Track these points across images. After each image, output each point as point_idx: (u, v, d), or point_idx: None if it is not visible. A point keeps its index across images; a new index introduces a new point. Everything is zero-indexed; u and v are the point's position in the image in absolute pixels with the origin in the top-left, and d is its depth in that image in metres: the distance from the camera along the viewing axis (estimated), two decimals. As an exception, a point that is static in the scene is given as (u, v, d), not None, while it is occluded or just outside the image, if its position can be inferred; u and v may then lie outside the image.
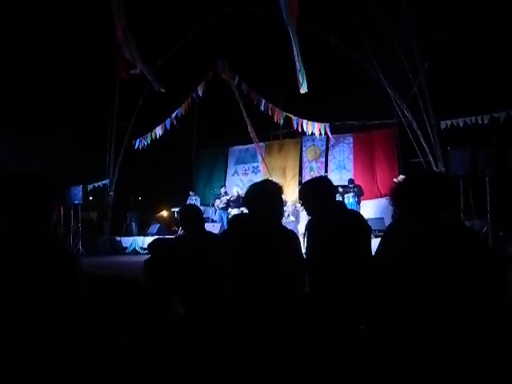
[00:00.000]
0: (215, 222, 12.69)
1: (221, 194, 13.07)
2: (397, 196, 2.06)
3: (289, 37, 9.10)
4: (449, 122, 10.47)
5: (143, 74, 10.76)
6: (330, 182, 2.95)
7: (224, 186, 14.03)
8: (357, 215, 2.94)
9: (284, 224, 2.73)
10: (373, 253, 2.39)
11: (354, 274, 2.39)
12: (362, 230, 2.65)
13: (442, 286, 1.69)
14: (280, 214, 2.64)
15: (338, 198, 11.29)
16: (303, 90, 9.69)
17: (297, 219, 11.16)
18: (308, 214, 2.86)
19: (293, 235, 2.59)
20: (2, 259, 1.50)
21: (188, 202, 12.77)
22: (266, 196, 2.54)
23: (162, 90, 11.41)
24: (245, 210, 2.70)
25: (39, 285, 1.48)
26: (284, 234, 2.56)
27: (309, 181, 3.03)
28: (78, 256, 1.63)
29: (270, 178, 12.41)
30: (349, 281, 2.40)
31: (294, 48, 9.17)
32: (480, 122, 10.23)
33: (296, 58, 9.28)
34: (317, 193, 2.77)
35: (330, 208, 2.72)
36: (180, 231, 11.74)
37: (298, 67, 9.40)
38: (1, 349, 1.44)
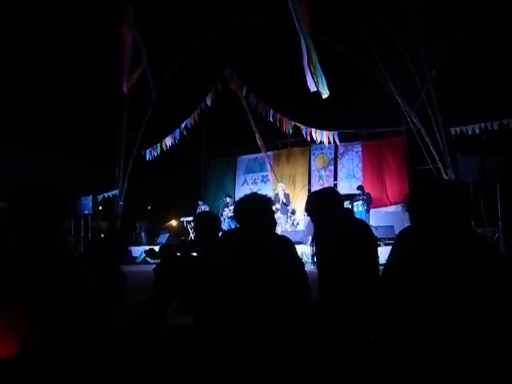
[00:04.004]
0: (224, 230, 12.68)
1: (228, 203, 13.12)
2: (412, 203, 2.05)
3: (300, 43, 9.08)
4: (458, 129, 10.42)
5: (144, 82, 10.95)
6: (336, 192, 2.95)
7: (230, 195, 14.06)
8: (362, 225, 2.92)
9: (293, 233, 2.73)
10: (382, 260, 2.38)
11: (360, 283, 2.38)
12: (366, 239, 2.64)
13: (454, 294, 1.67)
14: (271, 223, 2.63)
15: (347, 205, 11.24)
16: (325, 93, 9.42)
17: (310, 229, 11.07)
18: (314, 224, 2.86)
19: (286, 241, 2.58)
20: (15, 272, 1.52)
21: (197, 211, 12.81)
22: (254, 208, 2.53)
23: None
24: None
25: (52, 297, 1.49)
26: (277, 242, 2.55)
27: (316, 191, 3.04)
28: (88, 268, 1.62)
29: (283, 187, 12.34)
30: (356, 290, 2.39)
31: (308, 53, 9.10)
32: (489, 128, 10.18)
33: (312, 63, 9.19)
34: (323, 203, 2.77)
35: (336, 218, 2.72)
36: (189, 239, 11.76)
37: (315, 71, 9.28)
38: (14, 358, 1.45)
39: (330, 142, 12.86)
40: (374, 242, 2.67)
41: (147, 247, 12.06)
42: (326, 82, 9.33)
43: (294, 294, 2.41)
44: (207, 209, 13.36)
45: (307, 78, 9.15)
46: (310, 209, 2.87)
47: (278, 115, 13.07)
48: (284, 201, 11.81)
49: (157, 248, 3.40)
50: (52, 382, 1.47)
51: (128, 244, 11.38)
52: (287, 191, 12.79)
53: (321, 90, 9.23)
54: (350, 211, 2.94)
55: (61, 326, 1.50)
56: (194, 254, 3.14)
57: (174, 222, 15.79)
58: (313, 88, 9.15)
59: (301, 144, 14.54)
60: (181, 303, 2.96)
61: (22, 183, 1.67)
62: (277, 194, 11.90)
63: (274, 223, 2.71)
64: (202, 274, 2.69)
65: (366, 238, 2.63)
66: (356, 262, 2.48)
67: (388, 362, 1.85)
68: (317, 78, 9.18)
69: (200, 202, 13.72)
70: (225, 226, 12.71)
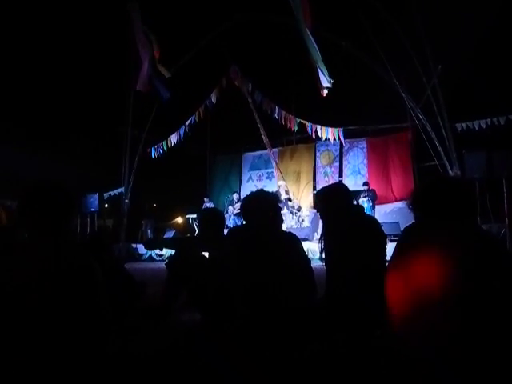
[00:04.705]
0: (229, 227, 12.70)
1: (234, 200, 13.13)
2: (415, 201, 2.04)
3: (303, 40, 9.05)
4: (464, 125, 10.36)
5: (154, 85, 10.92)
6: (346, 188, 2.95)
7: (236, 192, 14.08)
8: (372, 221, 2.91)
9: (298, 230, 2.73)
10: (388, 257, 2.38)
11: (368, 280, 2.38)
12: (376, 236, 2.64)
13: (460, 292, 1.67)
14: (277, 220, 2.64)
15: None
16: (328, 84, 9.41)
17: (315, 225, 11.06)
18: (322, 220, 2.86)
19: (293, 238, 2.58)
20: (26, 269, 1.53)
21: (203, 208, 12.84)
22: (261, 206, 2.55)
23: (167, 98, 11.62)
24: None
25: (61, 293, 1.50)
26: (283, 239, 2.57)
27: (325, 187, 3.03)
28: (96, 264, 1.64)
29: (284, 184, 12.38)
30: (364, 287, 2.40)
31: (311, 49, 9.06)
32: (496, 123, 10.11)
33: (316, 59, 9.15)
34: (333, 199, 2.77)
35: (345, 214, 2.71)
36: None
37: (320, 66, 9.22)
38: (22, 355, 1.47)
39: (335, 139, 12.83)
40: (383, 239, 2.67)
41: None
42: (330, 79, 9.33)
43: (300, 291, 2.42)
44: (212, 206, 13.38)
45: (319, 75, 9.18)
46: (320, 204, 2.87)
47: (284, 112, 13.05)
48: (290, 197, 11.86)
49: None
50: (58, 378, 1.49)
51: (112, 243, 11.45)
52: (289, 189, 12.84)
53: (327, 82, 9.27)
54: (360, 207, 2.94)
55: (69, 323, 1.52)
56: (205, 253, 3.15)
57: (179, 219, 15.79)
58: (325, 84, 9.17)
59: (306, 141, 14.53)
60: (189, 299, 2.98)
61: (31, 183, 1.69)
62: (277, 191, 11.94)
63: (281, 220, 2.72)
64: (210, 270, 2.71)
65: (376, 234, 2.63)
66: (366, 259, 2.48)
67: (391, 359, 1.86)
68: (324, 71, 9.22)
69: (205, 199, 13.75)
70: (230, 223, 12.74)
